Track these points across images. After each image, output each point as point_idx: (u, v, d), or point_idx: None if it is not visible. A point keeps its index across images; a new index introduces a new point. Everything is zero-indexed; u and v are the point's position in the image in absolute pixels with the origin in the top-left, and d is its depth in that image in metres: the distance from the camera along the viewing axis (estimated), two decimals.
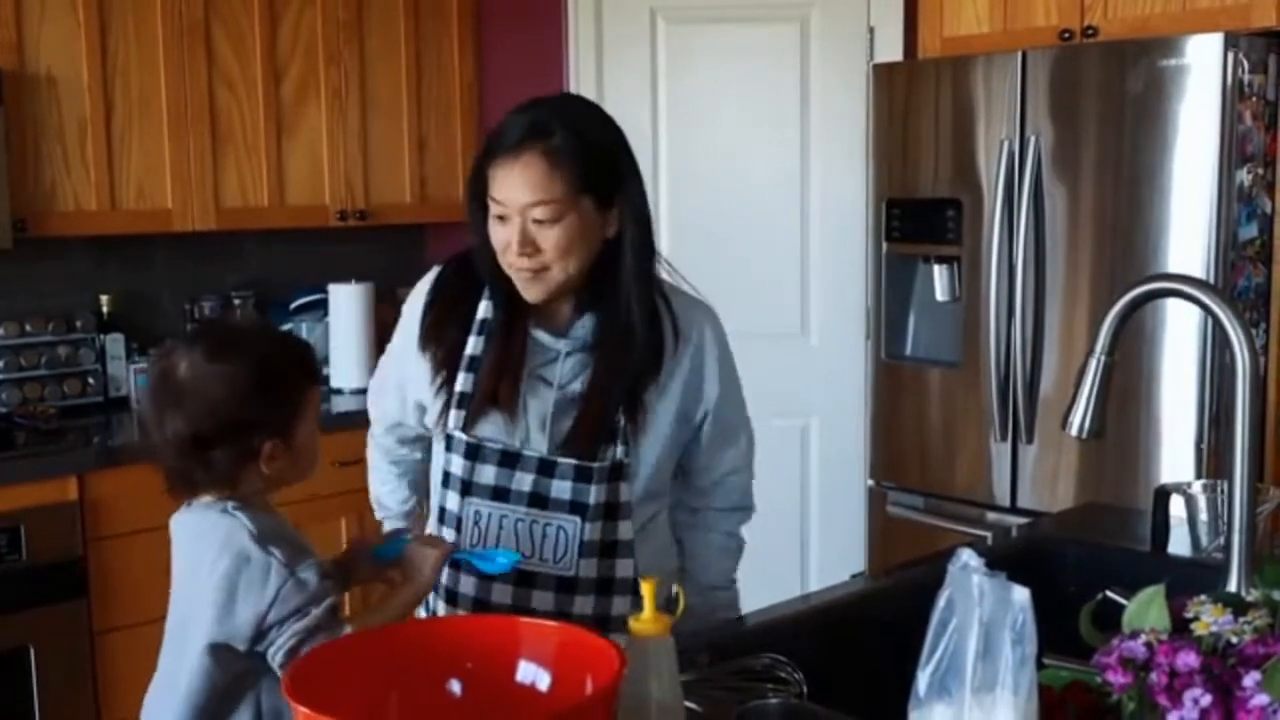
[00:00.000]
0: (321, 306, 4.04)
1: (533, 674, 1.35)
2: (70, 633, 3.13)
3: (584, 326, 1.86)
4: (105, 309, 3.71)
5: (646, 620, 1.31)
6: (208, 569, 1.60)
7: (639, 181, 1.85)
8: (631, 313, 1.83)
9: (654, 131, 3.97)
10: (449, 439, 1.87)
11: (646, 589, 1.32)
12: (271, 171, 3.73)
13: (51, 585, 3.09)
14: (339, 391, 3.92)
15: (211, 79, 3.60)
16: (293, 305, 4.06)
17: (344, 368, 3.94)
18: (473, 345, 1.86)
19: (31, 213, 3.30)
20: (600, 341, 1.84)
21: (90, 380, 3.64)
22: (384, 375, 2.05)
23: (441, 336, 1.89)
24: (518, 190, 1.74)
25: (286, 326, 3.99)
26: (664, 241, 3.82)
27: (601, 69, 3.97)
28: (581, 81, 3.98)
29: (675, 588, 1.52)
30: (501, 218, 1.77)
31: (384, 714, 1.34)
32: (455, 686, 1.37)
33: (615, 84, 3.97)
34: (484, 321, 1.87)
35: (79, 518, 3.13)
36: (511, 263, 1.78)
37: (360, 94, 3.90)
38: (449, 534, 1.87)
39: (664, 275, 1.93)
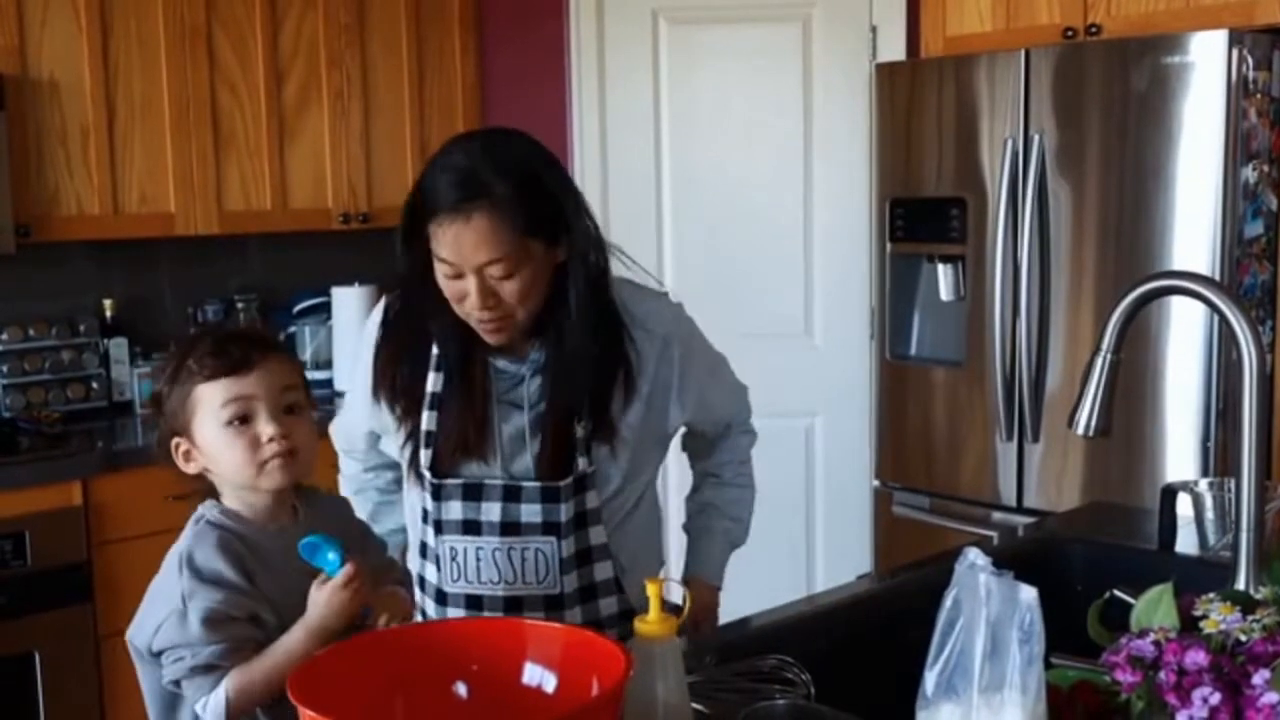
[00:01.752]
0: (324, 310, 4.04)
1: (539, 676, 1.35)
2: (75, 638, 3.13)
3: (540, 349, 1.83)
4: (108, 313, 3.70)
5: (653, 622, 1.30)
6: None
7: (577, 201, 1.79)
8: (581, 332, 1.79)
9: (656, 132, 3.97)
10: (420, 478, 1.85)
11: (652, 590, 1.32)
12: (274, 175, 3.73)
13: (56, 590, 3.09)
14: (341, 395, 3.91)
15: (213, 82, 3.60)
16: (295, 309, 4.06)
17: (347, 371, 3.92)
18: (433, 382, 1.84)
19: (34, 217, 3.30)
20: (552, 362, 1.81)
21: (94, 385, 3.64)
22: (350, 417, 2.04)
23: (395, 383, 1.86)
24: (469, 251, 1.68)
25: (290, 330, 4.00)
26: (666, 242, 3.94)
27: (603, 70, 3.97)
28: (583, 82, 3.98)
29: (681, 589, 1.51)
30: (455, 275, 1.72)
31: (389, 716, 1.33)
32: (461, 689, 1.37)
33: (617, 85, 3.97)
34: (439, 356, 1.84)
35: (83, 522, 3.13)
36: (474, 315, 1.75)
37: (362, 96, 3.89)
38: (430, 569, 1.87)
39: (615, 266, 1.88)
